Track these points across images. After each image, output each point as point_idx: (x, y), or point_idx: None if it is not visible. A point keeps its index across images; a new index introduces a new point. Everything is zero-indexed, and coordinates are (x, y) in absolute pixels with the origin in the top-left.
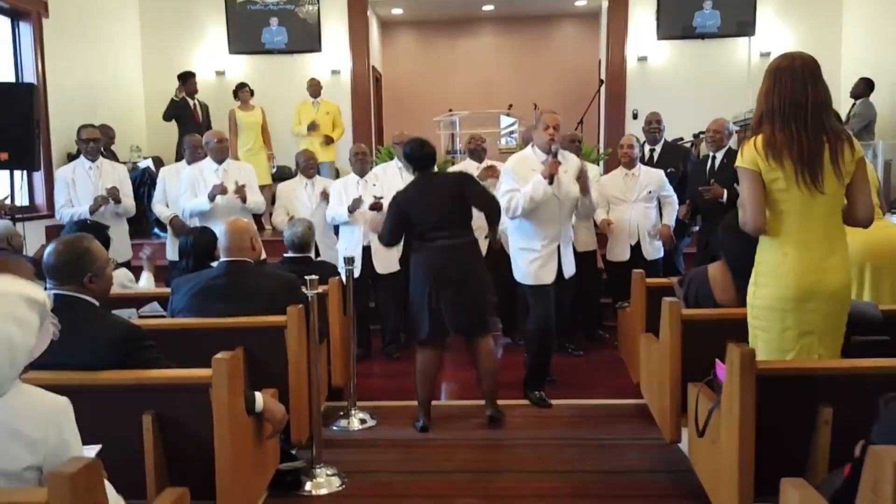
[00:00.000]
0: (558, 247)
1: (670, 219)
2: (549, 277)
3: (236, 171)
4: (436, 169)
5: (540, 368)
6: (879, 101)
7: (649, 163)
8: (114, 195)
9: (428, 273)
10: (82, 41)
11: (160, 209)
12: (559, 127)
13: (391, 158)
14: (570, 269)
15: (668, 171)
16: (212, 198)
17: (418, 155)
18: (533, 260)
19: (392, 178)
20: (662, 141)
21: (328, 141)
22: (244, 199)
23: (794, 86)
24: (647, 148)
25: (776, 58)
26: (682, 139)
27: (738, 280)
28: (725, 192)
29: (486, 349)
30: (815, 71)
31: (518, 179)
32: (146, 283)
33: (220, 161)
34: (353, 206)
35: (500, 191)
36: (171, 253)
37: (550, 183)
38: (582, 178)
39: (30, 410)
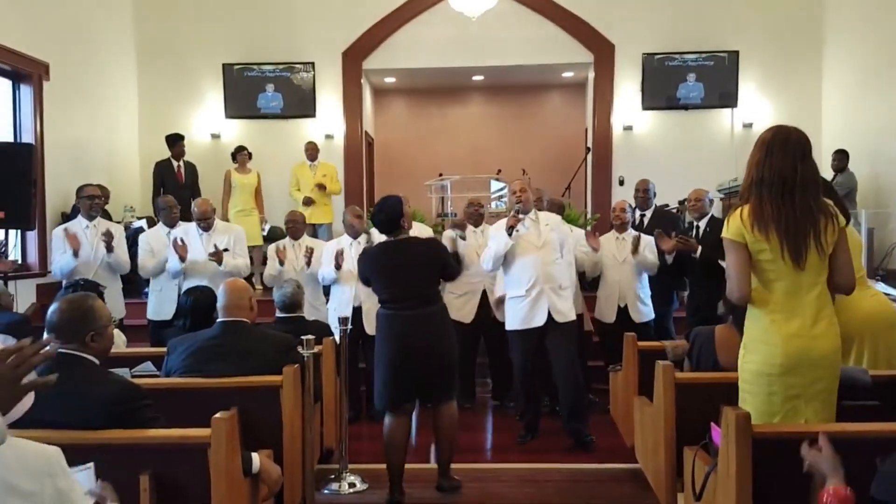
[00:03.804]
0: (545, 292)
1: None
2: (538, 320)
3: (224, 233)
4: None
5: (528, 409)
6: (859, 170)
7: (639, 227)
8: (108, 239)
9: (394, 343)
10: (81, 103)
11: (147, 260)
12: (525, 189)
13: None
14: (563, 315)
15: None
16: (182, 259)
17: (376, 220)
18: (521, 306)
19: None
20: (653, 207)
21: (321, 188)
22: (220, 262)
23: (785, 161)
24: (637, 213)
25: (770, 128)
26: (667, 206)
27: None
28: (700, 247)
29: (449, 414)
30: (805, 148)
31: (496, 238)
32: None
33: (205, 229)
34: (338, 262)
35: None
36: (153, 312)
37: (510, 234)
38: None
39: (20, 462)
